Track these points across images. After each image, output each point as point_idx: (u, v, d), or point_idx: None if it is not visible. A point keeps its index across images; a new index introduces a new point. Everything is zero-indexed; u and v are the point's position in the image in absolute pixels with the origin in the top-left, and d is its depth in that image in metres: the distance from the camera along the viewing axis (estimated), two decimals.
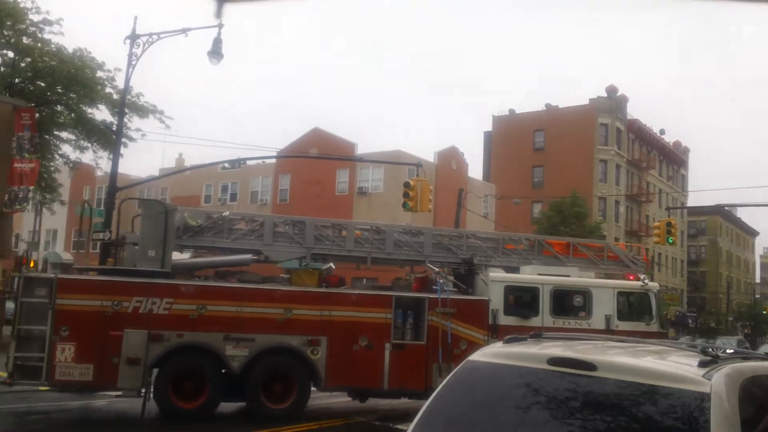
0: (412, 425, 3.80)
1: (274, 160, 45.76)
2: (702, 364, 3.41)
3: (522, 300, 15.24)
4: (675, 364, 3.59)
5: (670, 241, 32.14)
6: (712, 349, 3.74)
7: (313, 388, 13.65)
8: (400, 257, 15.77)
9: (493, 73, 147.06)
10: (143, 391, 12.50)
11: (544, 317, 14.84)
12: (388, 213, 41.36)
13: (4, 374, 12.68)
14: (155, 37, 20.05)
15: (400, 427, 12.41)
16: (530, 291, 15.13)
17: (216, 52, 19.71)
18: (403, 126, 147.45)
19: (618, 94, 60.95)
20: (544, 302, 14.95)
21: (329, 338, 13.36)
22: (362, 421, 13.47)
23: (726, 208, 63.38)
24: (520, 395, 3.67)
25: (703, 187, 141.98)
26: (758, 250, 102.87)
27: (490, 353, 4.11)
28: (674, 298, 64.87)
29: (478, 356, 4.14)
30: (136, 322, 12.44)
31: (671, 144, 70.65)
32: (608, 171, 58.95)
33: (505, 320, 14.51)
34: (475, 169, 61.81)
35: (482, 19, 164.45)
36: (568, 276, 15.72)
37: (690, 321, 67.80)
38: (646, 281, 16.06)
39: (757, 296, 74.35)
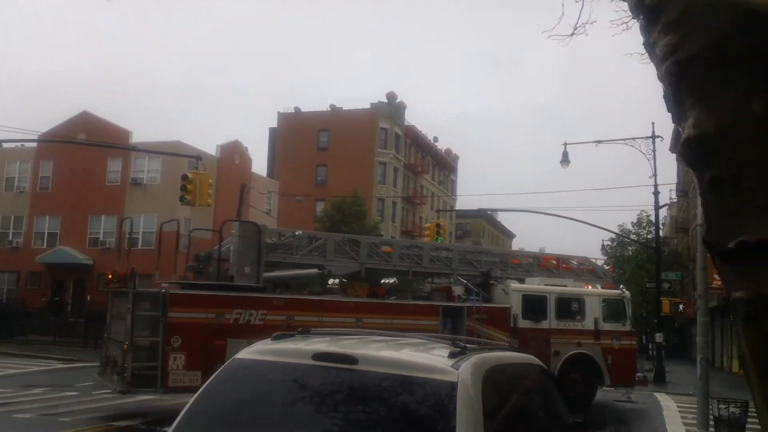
0: (173, 426, 3.71)
1: (34, 144, 41.25)
2: (452, 355, 3.65)
3: (534, 306, 17.59)
4: (428, 356, 3.79)
5: (439, 241, 34.49)
6: (461, 341, 4.01)
7: None
8: (434, 270, 18.70)
9: (280, 70, 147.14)
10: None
11: (551, 320, 17.50)
12: (164, 206, 39.43)
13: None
14: None
15: (166, 429, 11.92)
16: (541, 299, 17.69)
17: None
18: (185, 117, 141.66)
19: (397, 101, 64.18)
20: (551, 308, 17.60)
21: None
22: (127, 425, 13.21)
23: (488, 212, 69.50)
24: (286, 391, 3.69)
25: (470, 192, 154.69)
26: None
27: (256, 350, 4.06)
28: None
29: (243, 354, 4.07)
30: (237, 331, 13.37)
31: (443, 151, 75.98)
32: (387, 173, 61.81)
33: (522, 323, 17.11)
34: (260, 165, 61.49)
35: (272, 13, 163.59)
36: (566, 286, 18.57)
37: None
38: (624, 290, 19.81)
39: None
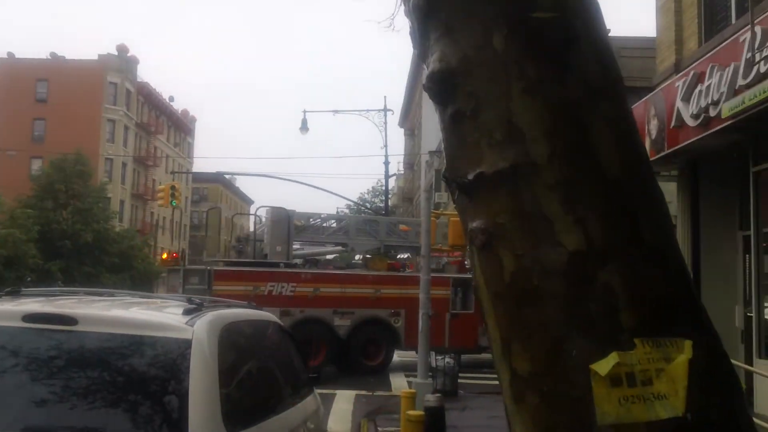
0: None
1: None
2: (186, 312, 3.48)
3: None
4: (160, 314, 3.65)
5: (174, 204, 33.26)
6: (197, 299, 3.85)
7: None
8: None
9: None
10: None
11: None
12: None
13: None
14: None
15: None
16: None
17: None
18: None
19: (129, 55, 59.83)
20: None
21: (406, 311, 16.74)
22: None
23: (227, 176, 68.50)
24: None
25: (210, 157, 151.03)
26: (252, 218, 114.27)
27: None
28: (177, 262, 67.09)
29: None
30: (271, 301, 14.68)
31: (180, 112, 72.76)
32: (116, 131, 57.60)
33: None
34: None
35: None
36: None
37: None
38: None
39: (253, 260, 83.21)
